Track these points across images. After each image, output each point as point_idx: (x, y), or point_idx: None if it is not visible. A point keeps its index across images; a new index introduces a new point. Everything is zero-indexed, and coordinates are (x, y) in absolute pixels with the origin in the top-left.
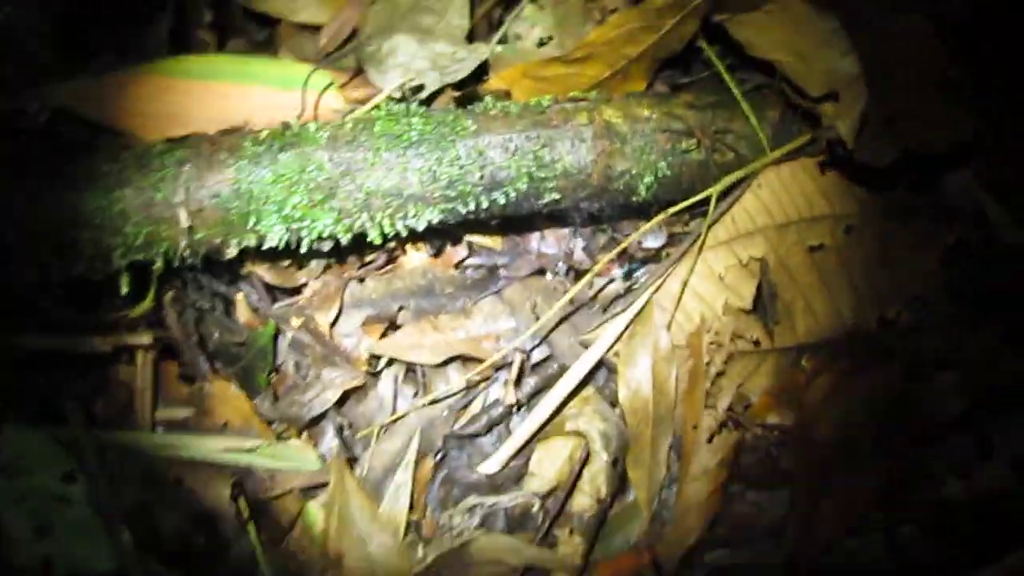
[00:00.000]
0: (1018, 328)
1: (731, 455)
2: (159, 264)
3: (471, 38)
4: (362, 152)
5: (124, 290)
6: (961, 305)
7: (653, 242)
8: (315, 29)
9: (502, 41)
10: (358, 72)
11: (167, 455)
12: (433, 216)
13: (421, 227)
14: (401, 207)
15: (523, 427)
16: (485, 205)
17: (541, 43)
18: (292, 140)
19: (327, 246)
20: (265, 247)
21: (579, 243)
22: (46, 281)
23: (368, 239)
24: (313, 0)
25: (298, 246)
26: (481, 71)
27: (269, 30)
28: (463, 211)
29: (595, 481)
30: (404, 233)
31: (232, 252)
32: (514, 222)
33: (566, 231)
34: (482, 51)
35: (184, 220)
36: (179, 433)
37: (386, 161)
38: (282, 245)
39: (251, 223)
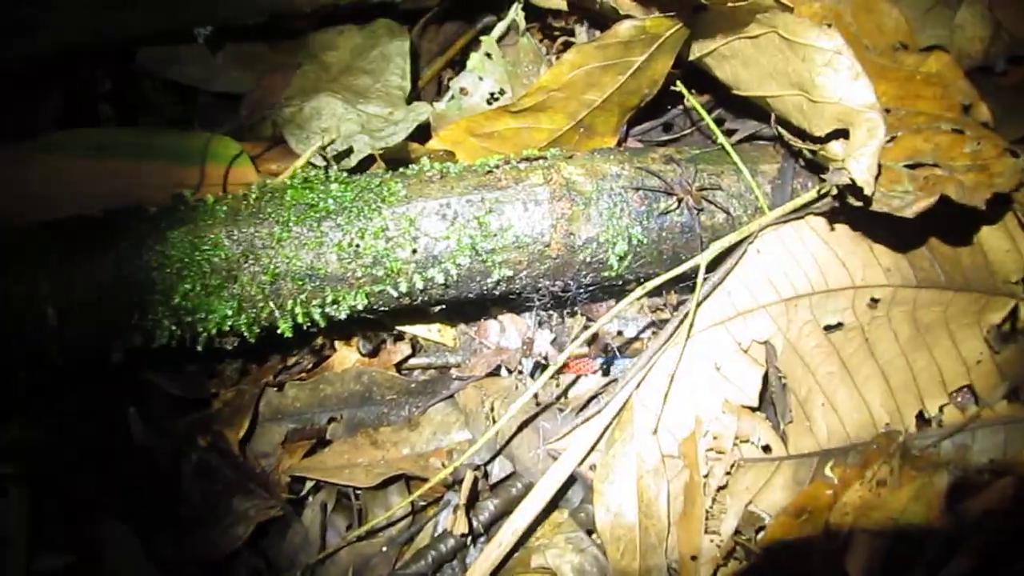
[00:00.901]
0: None
1: None
2: (24, 374)
3: (411, 102)
4: (268, 226)
5: None
6: (1020, 396)
7: (632, 329)
8: (236, 99)
9: (447, 99)
10: (277, 141)
11: None
12: (357, 302)
13: (343, 315)
14: (317, 291)
15: (477, 567)
16: (420, 286)
17: (491, 98)
18: (183, 216)
19: (230, 344)
20: (156, 345)
21: (544, 334)
22: None
23: (279, 332)
24: (233, 66)
25: (194, 345)
26: (423, 135)
27: (185, 105)
28: (395, 294)
29: None
30: (323, 323)
31: (117, 354)
32: (464, 309)
33: (528, 320)
34: (422, 110)
35: (51, 316)
36: None
37: (297, 236)
38: (174, 344)
39: (135, 318)
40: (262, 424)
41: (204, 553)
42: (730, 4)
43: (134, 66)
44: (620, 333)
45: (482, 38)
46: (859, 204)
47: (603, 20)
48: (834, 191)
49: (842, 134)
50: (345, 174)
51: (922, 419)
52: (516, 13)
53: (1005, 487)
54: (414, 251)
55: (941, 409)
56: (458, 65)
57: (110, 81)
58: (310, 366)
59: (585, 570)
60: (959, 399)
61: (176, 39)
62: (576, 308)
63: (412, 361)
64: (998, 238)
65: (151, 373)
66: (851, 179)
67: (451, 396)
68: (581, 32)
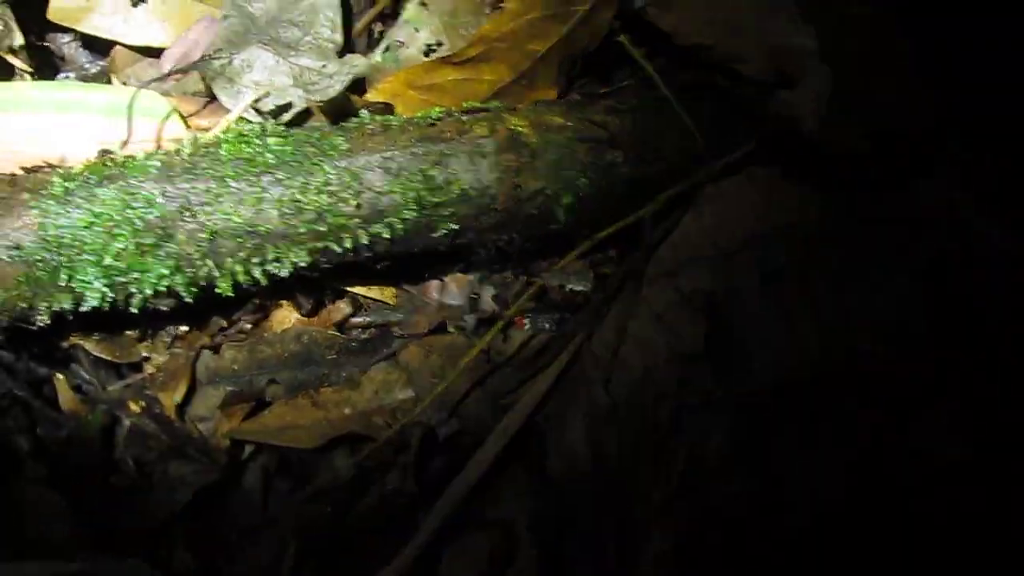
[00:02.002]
0: (1018, 351)
1: (694, 532)
2: None
3: (344, 55)
4: (204, 182)
5: None
6: (945, 328)
7: (579, 284)
8: (157, 54)
9: (383, 51)
10: (206, 97)
11: None
12: (300, 258)
13: (285, 273)
14: (258, 249)
15: (428, 523)
16: (365, 241)
17: (428, 50)
18: (113, 172)
19: (166, 305)
20: (84, 309)
21: (488, 290)
22: None
23: (218, 292)
24: (153, 18)
25: (127, 306)
26: (357, 88)
27: (103, 61)
28: (338, 250)
29: None
30: (264, 282)
31: (44, 319)
32: (407, 267)
33: (471, 277)
34: (357, 63)
35: None
36: None
37: (235, 191)
38: (106, 306)
39: (63, 279)
40: (199, 388)
41: (141, 521)
42: None
43: (47, 17)
44: (563, 287)
45: None
46: (800, 150)
47: None
48: (777, 139)
49: (785, 81)
50: (283, 128)
51: (854, 354)
52: None
53: None
54: (358, 206)
55: (872, 344)
56: (390, 18)
57: (21, 34)
58: (248, 327)
59: (540, 518)
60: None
61: None
62: (520, 266)
63: (353, 320)
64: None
65: (78, 336)
66: (797, 123)
67: (393, 354)
68: None
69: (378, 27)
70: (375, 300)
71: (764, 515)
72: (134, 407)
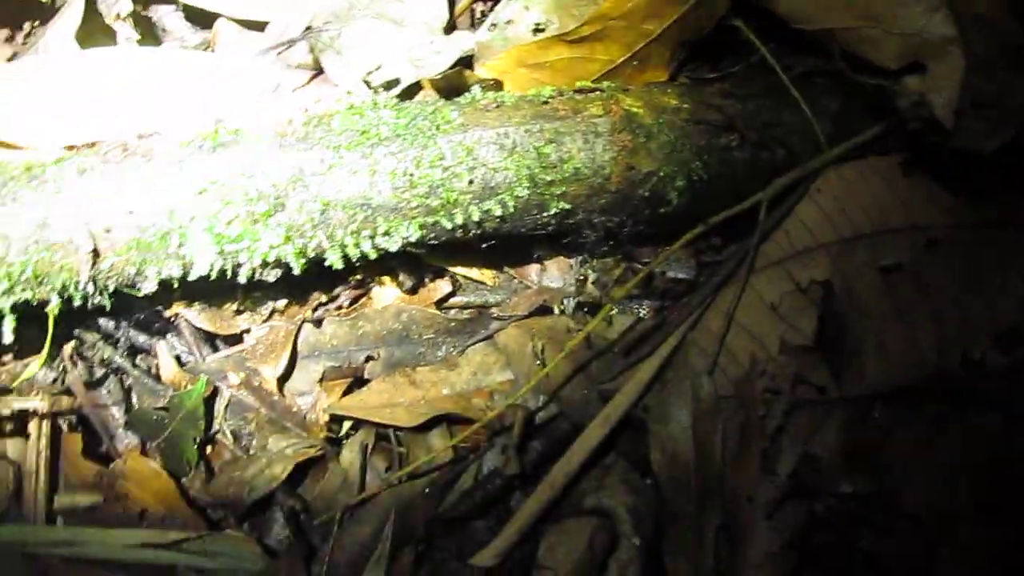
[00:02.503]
0: None
1: (800, 535)
2: (55, 305)
3: (450, 33)
4: (318, 152)
5: (8, 339)
6: None
7: (682, 272)
8: (259, 27)
9: (490, 28)
10: (315, 73)
11: (66, 554)
12: (410, 233)
13: (395, 248)
14: (368, 221)
15: (528, 506)
16: (476, 218)
17: (537, 29)
18: (228, 140)
19: (273, 276)
20: (193, 277)
21: (589, 275)
22: None
23: (327, 264)
24: None
25: (235, 276)
26: (464, 65)
27: (205, 33)
28: (448, 226)
29: (625, 572)
30: (373, 256)
31: (150, 286)
32: (509, 251)
33: (572, 260)
34: (465, 40)
35: (86, 244)
36: (82, 525)
37: (349, 163)
38: (215, 274)
39: (174, 246)
40: (299, 361)
41: (239, 491)
42: None
43: None
44: (666, 274)
45: None
46: (935, 139)
47: None
48: (906, 130)
49: (918, 68)
50: (395, 101)
51: (970, 361)
52: None
53: None
54: (471, 182)
55: (985, 352)
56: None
57: (130, 1)
58: (348, 303)
59: (640, 511)
60: (1009, 339)
61: None
62: (623, 252)
63: (452, 300)
64: None
65: (181, 305)
66: (931, 113)
67: (491, 336)
68: None
69: (479, 7)
70: (475, 281)
71: (880, 518)
72: (234, 378)
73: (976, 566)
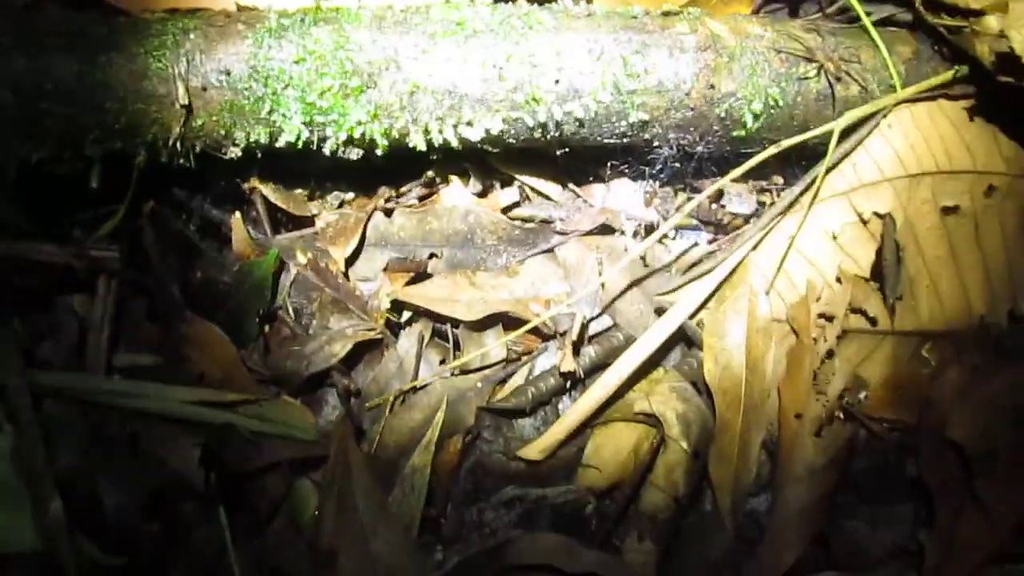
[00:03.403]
0: None
1: (843, 455)
2: (142, 157)
3: None
4: (414, 36)
5: (94, 184)
6: None
7: (742, 206)
8: None
9: None
10: None
11: (123, 406)
12: (493, 125)
13: (476, 137)
14: (455, 109)
15: (578, 406)
16: (558, 117)
17: None
18: (328, 15)
19: (355, 154)
20: (280, 144)
21: (651, 199)
22: None
23: (411, 147)
24: None
25: (319, 149)
26: None
27: None
28: (530, 123)
29: (672, 475)
30: (455, 143)
31: (236, 151)
32: (578, 166)
33: (636, 185)
34: None
35: (182, 96)
36: (139, 381)
37: (442, 50)
38: (300, 144)
39: (265, 110)
40: (366, 249)
41: (296, 366)
42: None
43: None
44: (724, 207)
45: None
46: (1009, 79)
47: None
48: (975, 72)
49: (999, 7)
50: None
51: (1012, 317)
52: None
53: None
54: (557, 81)
55: None
56: None
57: None
58: (419, 198)
59: (689, 418)
60: None
61: None
62: (687, 177)
63: (516, 211)
64: None
65: (257, 181)
66: (1010, 47)
67: (551, 249)
68: None
69: None
70: (541, 194)
71: (925, 446)
72: (301, 257)
73: (1014, 498)
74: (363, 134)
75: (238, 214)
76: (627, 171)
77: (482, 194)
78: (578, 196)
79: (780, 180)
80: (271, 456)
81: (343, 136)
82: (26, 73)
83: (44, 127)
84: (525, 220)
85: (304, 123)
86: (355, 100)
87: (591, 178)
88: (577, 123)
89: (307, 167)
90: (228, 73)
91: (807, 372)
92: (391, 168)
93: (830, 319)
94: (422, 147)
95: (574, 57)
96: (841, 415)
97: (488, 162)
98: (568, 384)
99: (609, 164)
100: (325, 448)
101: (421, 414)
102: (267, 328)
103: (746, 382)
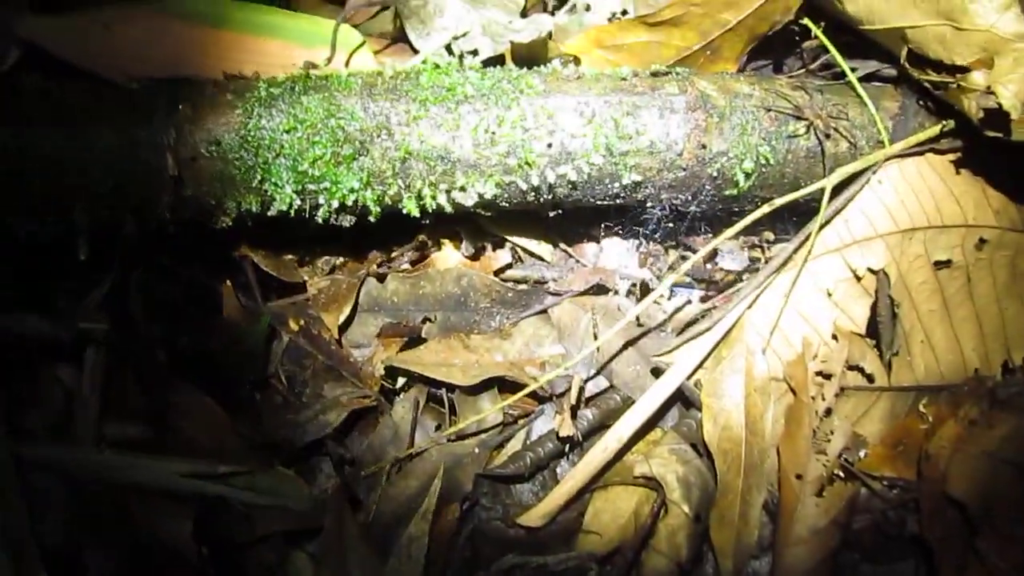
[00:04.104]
0: None
1: (844, 515)
2: (131, 227)
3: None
4: (404, 103)
5: (83, 256)
6: None
7: (734, 263)
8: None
9: (568, 11)
10: (392, 41)
11: (113, 479)
12: (486, 190)
13: (469, 203)
14: (448, 175)
15: (577, 470)
16: (552, 180)
17: (613, 16)
18: (318, 83)
19: (348, 221)
20: (271, 213)
21: (642, 258)
22: None
23: (405, 212)
24: None
25: (311, 217)
26: None
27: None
28: (524, 187)
29: (674, 539)
30: (449, 209)
31: (226, 219)
32: (569, 227)
33: (628, 244)
34: (544, 22)
35: (171, 167)
36: (130, 452)
37: (433, 116)
38: (293, 212)
39: (256, 180)
40: (360, 314)
41: (290, 435)
42: None
43: None
44: (716, 264)
45: None
46: (997, 134)
47: None
48: (962, 126)
49: (984, 63)
50: (479, 64)
51: (1006, 368)
52: None
53: None
54: (549, 145)
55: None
56: None
57: None
58: (411, 262)
59: (690, 481)
60: None
61: None
62: (679, 235)
63: (509, 272)
64: None
65: (249, 249)
66: (998, 104)
67: (545, 310)
68: None
69: (551, 1)
70: (533, 255)
71: (926, 503)
72: (293, 325)
73: (1015, 554)
74: (356, 201)
75: (228, 282)
76: (619, 230)
77: (474, 257)
78: (570, 256)
79: (771, 236)
80: (265, 527)
81: (335, 204)
82: (12, 143)
83: (31, 198)
84: (518, 281)
85: (296, 192)
86: (347, 168)
87: (583, 238)
88: (570, 185)
89: (296, 233)
90: (218, 143)
91: (806, 431)
92: (381, 232)
93: (828, 377)
94: (416, 213)
95: (566, 120)
96: (841, 473)
97: (480, 224)
98: (566, 448)
99: (603, 225)
100: (320, 518)
101: (418, 481)
102: (259, 396)
103: (746, 442)
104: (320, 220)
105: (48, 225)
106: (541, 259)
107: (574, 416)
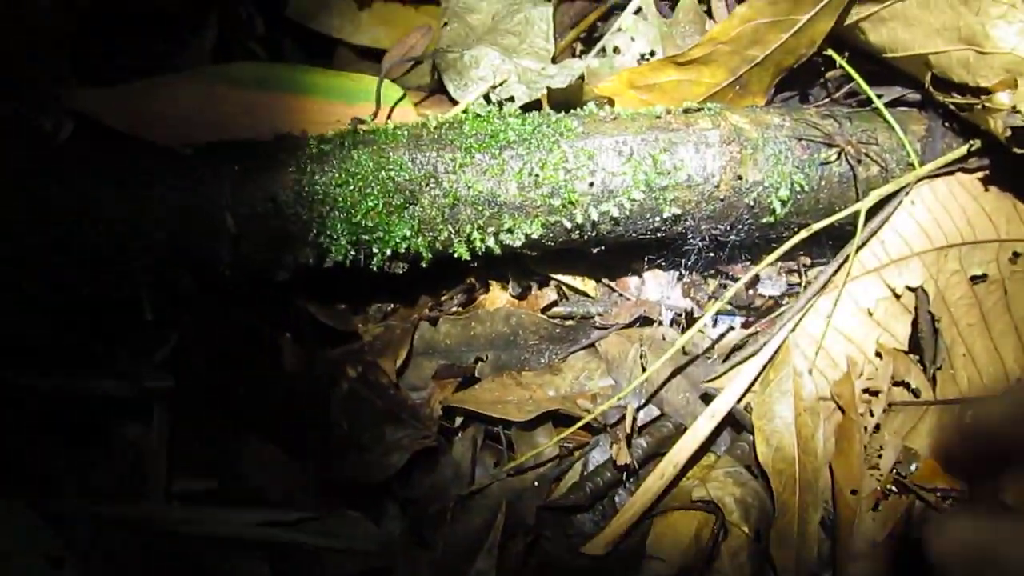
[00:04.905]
0: None
1: (901, 527)
2: (191, 285)
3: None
4: (450, 152)
5: (148, 316)
6: None
7: (772, 289)
8: (376, 56)
9: (598, 55)
10: (429, 94)
11: (185, 532)
12: (533, 230)
13: (517, 244)
14: (495, 218)
15: (636, 498)
16: (594, 218)
17: (642, 58)
18: (367, 138)
19: (400, 268)
20: (327, 265)
21: (683, 289)
22: (46, 304)
23: (456, 256)
24: (376, 21)
25: (367, 265)
26: None
27: (323, 62)
28: (568, 226)
29: (736, 560)
30: (497, 251)
31: (284, 273)
32: (612, 263)
33: (669, 275)
34: (575, 67)
35: (231, 225)
36: (201, 505)
37: (479, 162)
38: (348, 263)
39: (312, 233)
40: (415, 358)
41: (355, 480)
42: None
43: (286, 12)
44: (755, 291)
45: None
46: (1016, 159)
47: None
48: (990, 145)
49: (1008, 84)
50: (519, 111)
51: None
52: None
53: None
54: (591, 184)
55: None
56: (586, 41)
57: (263, 24)
58: (460, 305)
59: (747, 502)
60: None
61: None
62: (718, 267)
63: (555, 309)
64: None
65: (304, 300)
66: (1022, 122)
67: (592, 344)
68: (720, 7)
69: (578, 46)
70: (578, 291)
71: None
72: (351, 372)
73: None
74: (408, 248)
75: (288, 334)
76: (661, 262)
77: (521, 296)
78: (613, 290)
79: (807, 260)
80: (337, 570)
81: (388, 252)
82: (76, 207)
83: (95, 259)
84: (564, 318)
85: (350, 243)
86: (399, 217)
87: (625, 272)
88: (613, 222)
89: (348, 283)
90: (274, 200)
91: (858, 448)
92: (430, 277)
93: (874, 394)
94: (466, 256)
95: (605, 159)
96: (895, 487)
97: (525, 264)
98: (623, 476)
99: (645, 258)
100: (389, 559)
101: (481, 518)
102: (323, 443)
103: (799, 461)
104: (374, 269)
105: (112, 286)
106: (586, 295)
107: (629, 445)
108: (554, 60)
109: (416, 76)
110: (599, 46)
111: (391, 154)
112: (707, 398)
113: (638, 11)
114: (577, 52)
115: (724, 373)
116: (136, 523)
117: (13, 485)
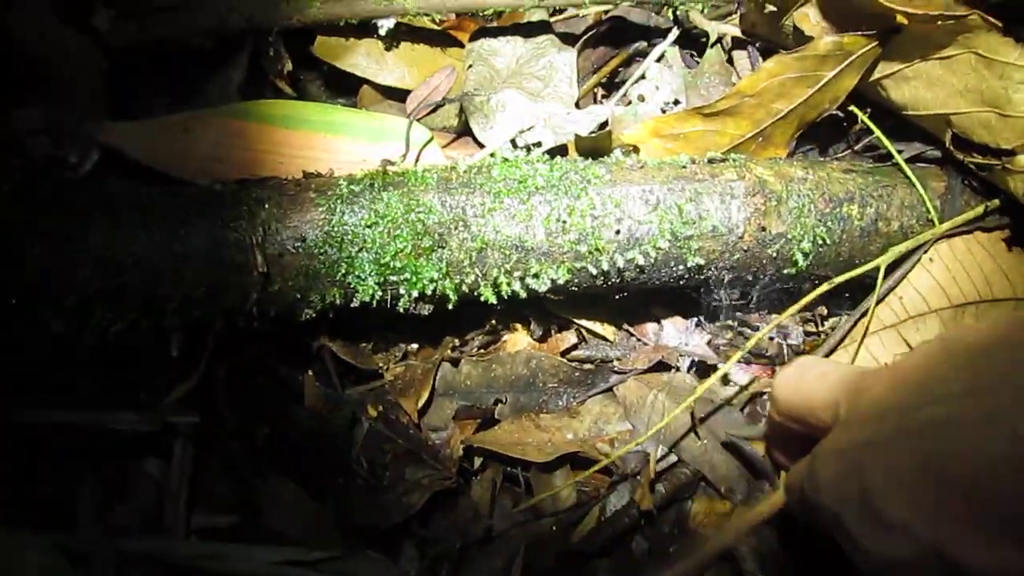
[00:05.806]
0: None
1: None
2: (219, 324)
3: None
4: (479, 196)
5: (174, 352)
6: None
7: (791, 339)
8: (400, 96)
9: (621, 102)
10: (456, 136)
11: (205, 568)
12: (559, 275)
13: (543, 288)
14: (522, 262)
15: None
16: (620, 265)
17: (666, 107)
18: (396, 180)
19: (427, 310)
20: (354, 304)
21: (702, 336)
22: (73, 343)
23: (482, 300)
24: (402, 61)
25: (393, 306)
26: None
27: (347, 99)
28: (593, 272)
29: None
30: (523, 295)
31: (311, 312)
32: (631, 308)
33: (688, 322)
34: (600, 113)
35: (260, 264)
36: (222, 542)
37: (507, 207)
38: (375, 303)
39: (340, 273)
40: (436, 398)
41: (375, 519)
42: (937, 23)
43: (312, 50)
44: (773, 340)
45: (663, 48)
46: None
47: (769, 46)
48: (1008, 205)
49: None
50: (546, 156)
51: None
52: (671, 41)
53: None
54: (618, 232)
55: None
56: (607, 86)
57: (291, 62)
58: (482, 347)
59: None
60: None
61: (357, 31)
62: (739, 313)
63: (575, 353)
64: None
65: (326, 338)
66: None
67: (610, 388)
68: (741, 57)
69: (599, 92)
70: (597, 335)
71: None
72: (372, 411)
73: None
74: (435, 291)
75: (310, 372)
76: (681, 309)
77: (542, 339)
78: (632, 335)
79: (824, 311)
80: None
81: (415, 294)
82: (105, 246)
83: (123, 299)
84: (583, 361)
85: (378, 283)
86: (427, 259)
87: (646, 317)
88: (638, 269)
89: (371, 321)
90: (303, 239)
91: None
92: (452, 318)
93: None
94: (492, 300)
95: (632, 207)
96: None
97: (547, 308)
98: (642, 522)
99: (665, 305)
100: None
101: (500, 560)
102: (343, 482)
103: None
104: (400, 310)
105: (139, 324)
106: (605, 339)
107: (652, 490)
108: (577, 105)
109: (442, 118)
110: (621, 92)
111: (421, 197)
112: (730, 447)
113: (661, 58)
114: (598, 97)
115: (744, 422)
116: (156, 558)
117: (33, 520)
